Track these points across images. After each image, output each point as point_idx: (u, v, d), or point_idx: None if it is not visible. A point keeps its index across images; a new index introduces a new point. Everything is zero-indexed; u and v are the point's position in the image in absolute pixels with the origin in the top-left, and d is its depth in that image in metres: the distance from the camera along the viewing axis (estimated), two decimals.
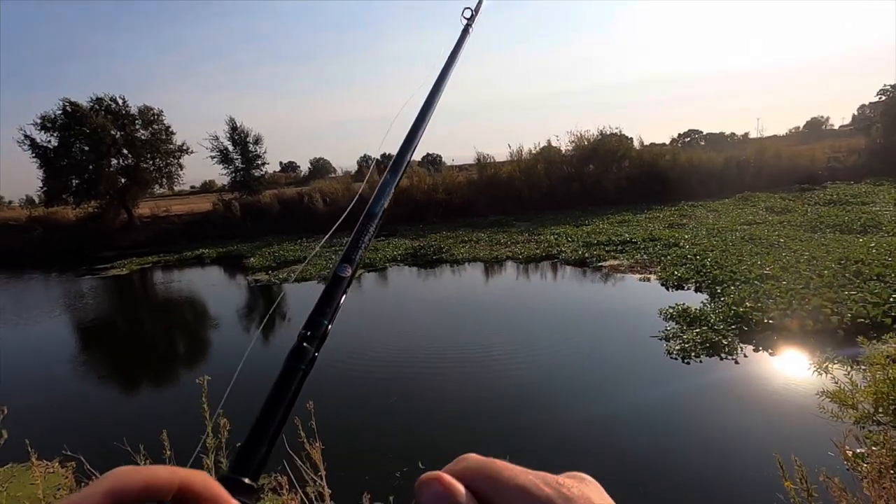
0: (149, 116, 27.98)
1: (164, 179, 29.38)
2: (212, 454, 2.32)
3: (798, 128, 59.65)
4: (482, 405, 6.12)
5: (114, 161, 27.26)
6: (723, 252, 12.01)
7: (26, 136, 25.86)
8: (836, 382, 3.44)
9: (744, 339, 7.24)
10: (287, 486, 2.31)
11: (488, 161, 27.64)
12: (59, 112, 26.00)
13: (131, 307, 14.82)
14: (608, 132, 27.72)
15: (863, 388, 3.40)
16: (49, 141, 26.14)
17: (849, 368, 5.53)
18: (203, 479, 0.34)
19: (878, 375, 3.26)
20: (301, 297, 12.93)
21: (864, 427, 3.44)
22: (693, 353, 6.93)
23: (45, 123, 25.84)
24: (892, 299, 7.56)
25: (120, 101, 27.38)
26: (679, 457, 4.78)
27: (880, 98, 32.24)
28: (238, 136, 28.66)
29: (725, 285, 9.51)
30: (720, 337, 7.25)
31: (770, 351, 6.88)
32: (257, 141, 29.10)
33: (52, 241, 25.47)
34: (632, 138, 29.39)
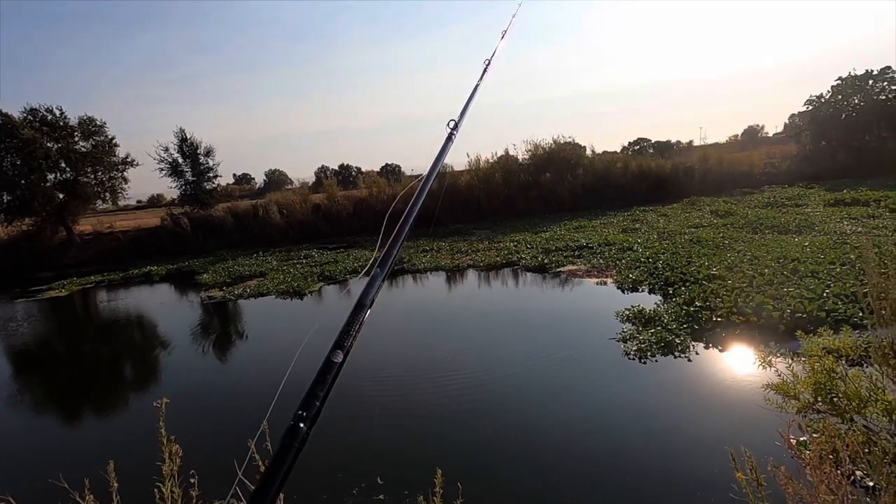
0: (90, 128, 26.49)
1: (107, 194, 27.85)
2: (168, 482, 2.18)
3: (737, 136, 63.54)
4: (443, 412, 6.09)
5: (50, 175, 25.61)
6: (673, 254, 12.54)
7: None
8: (779, 375, 3.64)
9: (695, 338, 7.56)
10: None
11: (447, 170, 27.84)
12: None
13: (71, 331, 13.89)
14: (562, 140, 28.57)
15: (803, 379, 3.61)
16: None
17: (790, 361, 5.87)
18: None
19: (815, 366, 3.47)
20: (258, 314, 12.53)
21: (805, 416, 3.65)
22: (649, 353, 7.17)
23: None
24: (825, 294, 8.10)
25: (57, 112, 25.82)
26: (637, 453, 4.91)
27: (808, 108, 34.79)
28: (188, 147, 27.59)
29: (676, 286, 9.92)
30: (674, 336, 7.55)
31: (719, 348, 7.21)
32: (208, 153, 28.11)
33: None
34: (585, 147, 30.41)
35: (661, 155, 36.92)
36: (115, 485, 2.31)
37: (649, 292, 10.30)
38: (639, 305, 9.02)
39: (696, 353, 7.11)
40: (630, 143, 57.83)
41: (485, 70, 1.42)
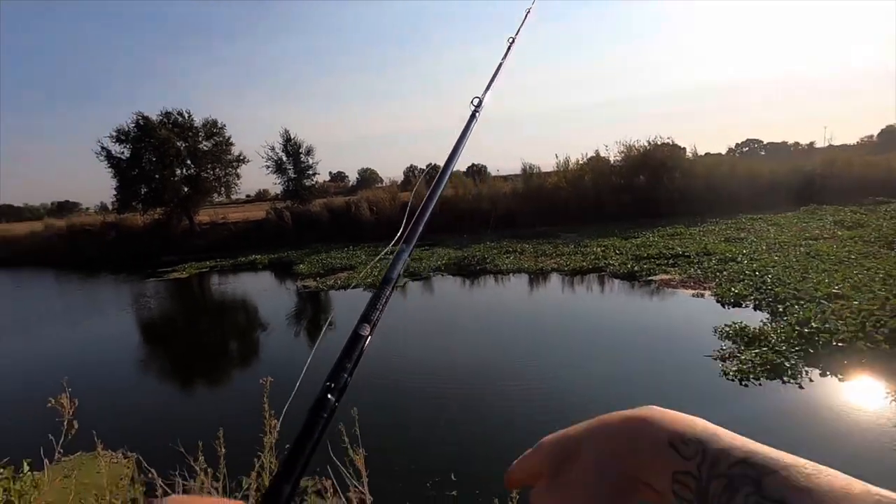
0: (211, 129, 29.74)
1: (222, 188, 31.05)
2: (267, 452, 2.39)
3: (871, 136, 55.53)
4: (523, 420, 6.01)
5: (178, 171, 29.09)
6: (785, 268, 11.29)
7: (103, 148, 28.12)
8: None
9: (809, 363, 6.74)
10: (331, 491, 2.35)
11: (534, 171, 27.42)
12: (133, 125, 28.12)
13: (189, 308, 15.68)
14: (659, 142, 26.87)
15: None
16: (122, 152, 28.29)
17: None
18: None
19: None
20: (347, 304, 13.25)
21: None
22: (752, 375, 6.53)
23: (120, 136, 27.99)
24: None
25: (186, 115, 29.28)
26: None
27: None
28: (291, 147, 29.91)
29: (788, 304, 8.92)
30: (782, 359, 6.79)
31: (840, 376, 6.37)
32: (309, 152, 30.26)
33: (123, 245, 27.46)
34: (685, 148, 28.35)
35: (775, 157, 33.36)
36: (223, 450, 2.58)
37: (754, 308, 9.36)
38: (741, 322, 8.23)
39: (810, 381, 6.34)
40: (738, 145, 53.02)
41: (509, 47, 1.38)
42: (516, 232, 22.36)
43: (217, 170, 30.28)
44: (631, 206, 24.31)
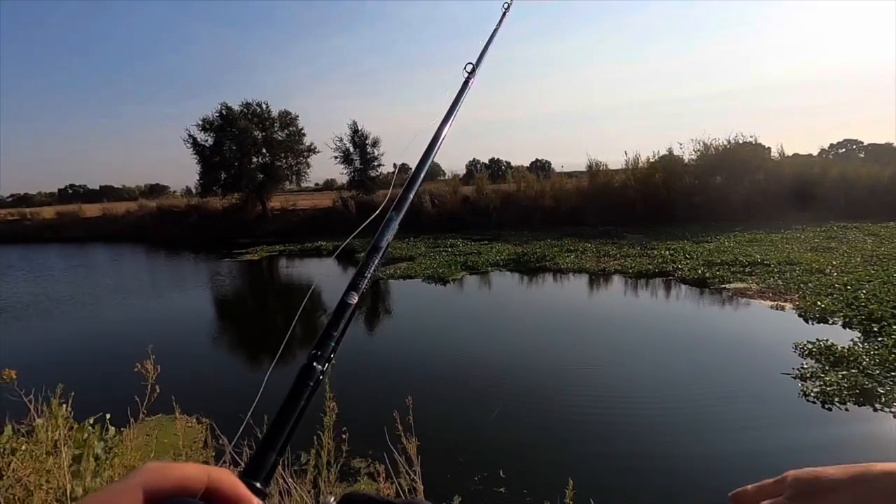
0: (286, 120, 31.26)
1: (294, 176, 32.62)
2: (326, 432, 2.49)
3: None
4: (576, 422, 5.86)
5: (255, 159, 30.87)
6: (884, 284, 10.17)
7: (190, 136, 30.39)
8: None
9: None
10: (384, 475, 2.41)
11: (600, 168, 26.48)
12: (217, 115, 30.14)
13: (260, 289, 16.66)
14: (740, 140, 25.02)
15: None
16: (207, 140, 30.43)
17: None
18: (230, 479, 0.37)
19: None
20: (404, 294, 13.50)
21: None
22: (837, 398, 5.95)
23: (205, 125, 30.11)
24: None
25: (264, 106, 30.95)
26: None
27: None
28: (359, 138, 30.82)
29: (886, 323, 8.03)
30: (875, 384, 6.14)
31: None
32: (375, 143, 31.05)
33: (204, 227, 29.62)
34: (769, 147, 26.23)
35: (877, 160, 29.98)
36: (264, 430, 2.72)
37: (843, 326, 8.52)
38: (827, 340, 7.52)
39: None
40: (833, 145, 48.28)
41: (503, 15, 1.34)
42: (578, 230, 21.74)
43: (289, 159, 31.83)
44: (704, 208, 22.88)
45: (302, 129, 31.72)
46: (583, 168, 27.80)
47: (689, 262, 13.96)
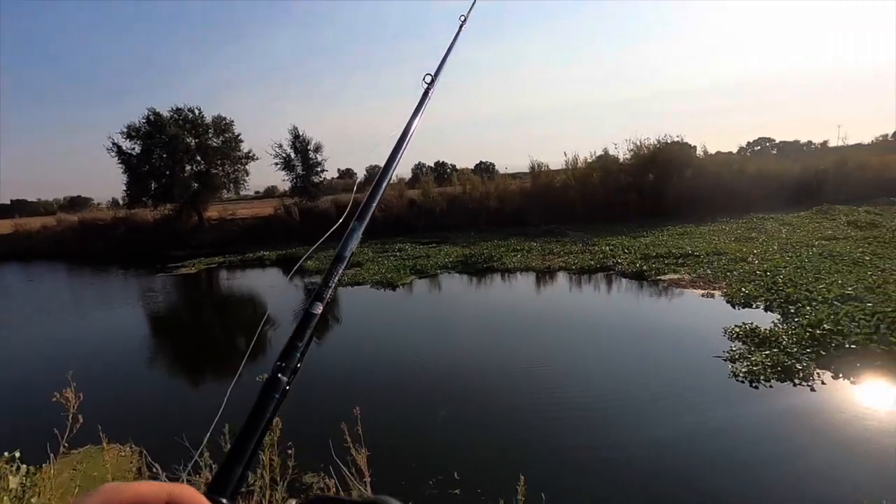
0: (221, 125, 29.88)
1: (231, 184, 31.22)
2: (268, 450, 2.38)
3: (886, 136, 54.54)
4: (527, 421, 5.97)
5: (188, 167, 29.28)
6: (797, 269, 11.14)
7: (114, 144, 28.35)
8: None
9: (821, 365, 6.64)
10: (334, 490, 2.33)
11: (542, 169, 27.27)
12: (144, 121, 28.33)
13: (198, 303, 15.78)
14: (670, 140, 26.61)
15: None
16: (133, 148, 28.52)
17: None
18: (192, 495, 0.35)
19: None
20: (352, 301, 13.25)
21: None
22: (762, 377, 6.44)
23: (131, 132, 28.22)
24: None
25: (196, 111, 29.44)
26: (741, 491, 4.42)
27: None
28: (300, 143, 29.99)
29: (800, 305, 8.80)
30: (793, 360, 6.70)
31: (852, 379, 6.26)
32: (317, 149, 30.33)
33: (133, 240, 27.72)
34: (695, 146, 28.08)
35: (787, 156, 32.90)
36: (228, 446, 2.57)
37: (765, 309, 9.24)
38: (752, 323, 8.13)
39: (822, 383, 6.24)
40: (749, 143, 52.42)
41: (460, 27, 1.43)
42: (523, 230, 22.26)
43: (226, 166, 30.45)
44: (639, 204, 24.14)
45: (239, 135, 30.47)
46: (526, 169, 28.53)
47: (627, 256, 14.65)
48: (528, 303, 12.08)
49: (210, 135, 29.59)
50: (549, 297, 12.59)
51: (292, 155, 30.09)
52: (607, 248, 16.15)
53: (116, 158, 28.46)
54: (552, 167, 27.66)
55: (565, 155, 27.48)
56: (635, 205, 24.13)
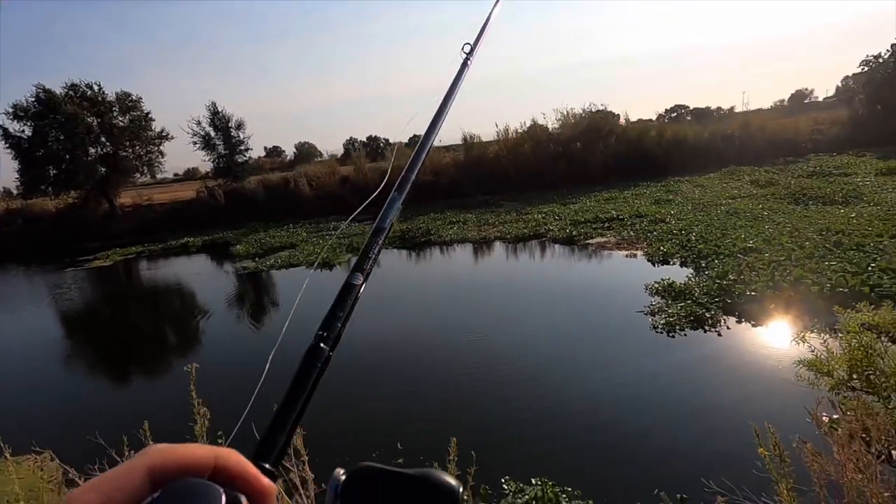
0: (127, 103, 27.28)
1: (145, 167, 28.83)
2: (200, 441, 2.30)
3: (783, 101, 59.88)
4: (468, 384, 6.18)
5: (92, 150, 26.60)
6: (707, 226, 12.12)
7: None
8: (813, 351, 3.51)
9: (727, 312, 7.36)
10: None
11: (475, 141, 27.44)
12: (32, 100, 25.23)
13: (116, 297, 14.65)
14: (595, 109, 27.62)
15: (838, 355, 3.47)
16: (23, 130, 25.43)
17: (826, 338, 5.65)
18: (238, 459, 0.36)
19: (852, 343, 3.33)
20: (290, 284, 12.87)
21: (839, 393, 3.53)
22: (678, 327, 7.04)
23: (18, 112, 25.07)
24: (870, 268, 7.71)
25: (96, 88, 26.62)
26: (661, 428, 4.88)
27: (863, 69, 32.38)
28: (219, 121, 28.08)
29: (710, 259, 9.62)
30: (704, 310, 7.36)
31: (753, 322, 7.00)
32: (239, 126, 28.58)
33: (33, 232, 24.99)
34: (619, 115, 29.35)
35: (700, 122, 35.27)
36: (150, 443, 2.46)
37: (681, 265, 10.03)
38: (669, 279, 8.80)
39: (728, 328, 6.93)
40: (667, 111, 55.37)
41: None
42: (460, 202, 22.46)
43: (137, 147, 27.98)
44: (568, 172, 25.00)
45: (148, 113, 27.98)
46: (459, 141, 28.56)
47: (558, 222, 15.24)
48: (466, 274, 12.32)
49: (115, 113, 26.95)
50: (486, 266, 12.89)
51: (212, 133, 28.17)
52: (539, 215, 16.69)
53: (2, 142, 25.31)
54: (484, 139, 27.90)
55: (496, 126, 27.80)
56: (565, 173, 24.99)
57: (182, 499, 0.32)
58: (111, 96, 26.95)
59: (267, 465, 0.41)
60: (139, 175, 29.81)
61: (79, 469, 2.31)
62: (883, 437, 2.19)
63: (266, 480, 0.38)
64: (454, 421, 5.24)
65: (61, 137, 25.33)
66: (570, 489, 3.88)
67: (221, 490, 0.33)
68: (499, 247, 14.02)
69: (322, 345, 0.54)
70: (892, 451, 3.80)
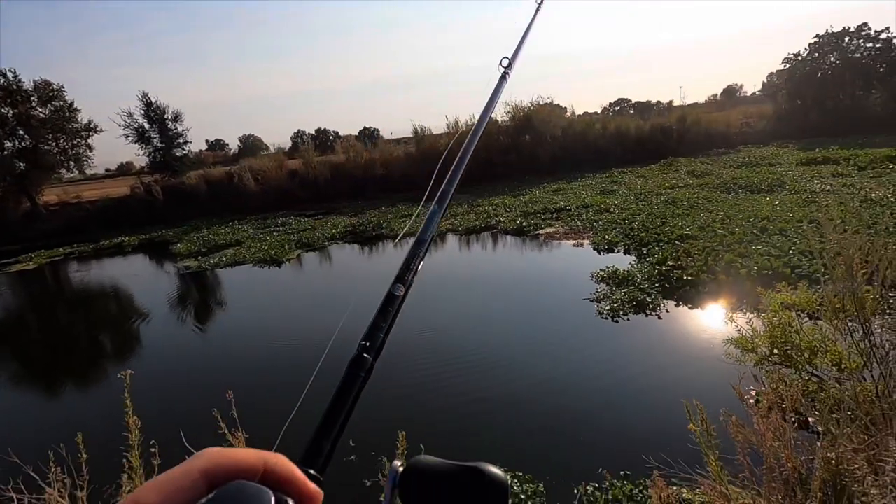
0: (47, 92, 25.13)
1: (70, 162, 26.78)
2: (135, 451, 2.19)
3: (716, 96, 63.60)
4: (421, 383, 6.19)
5: (8, 143, 24.40)
6: (648, 215, 12.71)
7: None
8: (739, 330, 3.78)
9: (666, 296, 7.77)
10: None
11: (426, 133, 27.36)
12: None
13: (42, 304, 13.57)
14: (541, 102, 28.19)
15: (761, 333, 3.76)
16: None
17: (751, 317, 6.09)
18: (286, 464, 0.38)
19: (773, 321, 3.61)
20: (236, 281, 12.40)
21: (762, 368, 3.82)
22: (621, 312, 7.36)
23: None
24: (790, 251, 8.35)
25: (10, 76, 24.35)
26: (604, 409, 5.11)
27: (785, 66, 34.85)
28: (154, 112, 26.47)
29: (651, 246, 10.11)
30: (646, 295, 7.74)
31: (689, 305, 7.43)
32: (177, 118, 27.07)
33: None
34: (566, 108, 30.12)
35: (641, 115, 36.83)
36: (85, 456, 2.32)
37: (624, 253, 10.48)
38: (613, 266, 9.18)
39: (667, 312, 7.32)
40: (611, 104, 57.50)
41: (536, 11, 1.43)
42: (412, 195, 22.34)
43: (61, 141, 25.91)
44: (518, 164, 25.44)
45: (72, 103, 25.92)
46: (410, 134, 28.40)
47: (508, 214, 15.51)
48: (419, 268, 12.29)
49: (33, 103, 24.80)
50: (438, 259, 12.93)
51: (146, 125, 26.52)
52: (490, 207, 16.91)
53: None
54: (434, 131, 27.87)
55: (447, 119, 27.82)
56: (514, 165, 25.41)
57: (234, 500, 0.34)
58: (28, 85, 24.78)
59: (312, 472, 0.43)
60: (65, 171, 27.68)
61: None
62: (794, 405, 2.39)
63: (312, 486, 0.40)
64: (403, 415, 5.25)
65: None
66: (520, 473, 4.00)
67: (271, 493, 0.35)
68: (451, 239, 14.09)
69: (365, 354, 0.56)
70: (809, 418, 4.16)
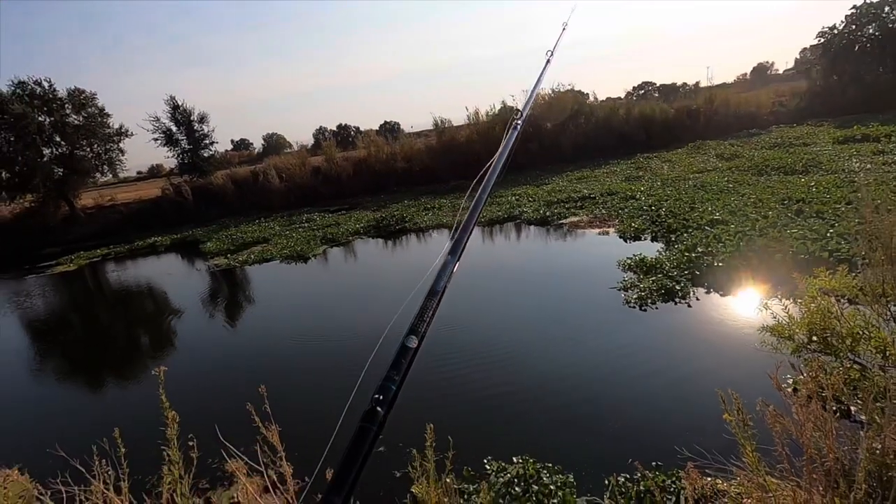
0: (80, 99, 26.02)
1: (105, 166, 27.69)
2: (174, 444, 2.27)
3: (745, 75, 61.29)
4: (448, 367, 6.22)
5: (46, 150, 25.40)
6: (676, 201, 12.39)
7: None
8: (775, 317, 3.65)
9: (696, 283, 7.57)
10: (246, 471, 2.30)
11: (446, 126, 27.25)
12: None
13: (83, 303, 14.17)
14: (562, 88, 27.71)
15: (798, 320, 3.62)
16: None
17: (787, 303, 5.88)
18: None
19: (811, 307, 3.48)
20: (265, 278, 12.67)
21: (800, 356, 3.69)
22: (650, 301, 7.22)
23: None
24: (828, 234, 8.02)
25: (46, 85, 25.28)
26: (635, 399, 5.03)
27: (819, 41, 33.25)
28: (181, 115, 27.11)
29: (679, 233, 9.86)
30: (674, 283, 7.56)
31: (720, 293, 7.23)
32: (202, 119, 27.63)
33: None
34: (587, 94, 29.52)
35: (667, 99, 35.82)
36: (123, 450, 2.41)
37: (651, 240, 10.25)
38: (640, 254, 8.99)
39: (697, 299, 7.14)
40: (634, 88, 56.05)
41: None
42: (433, 188, 22.38)
43: (95, 146, 26.82)
44: (540, 153, 25.10)
45: (104, 109, 26.77)
46: (430, 127, 28.34)
47: (531, 204, 15.35)
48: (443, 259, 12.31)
49: (68, 111, 25.72)
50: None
51: (174, 128, 27.20)
52: (513, 198, 16.77)
53: None
54: (455, 123, 27.75)
55: (467, 110, 27.65)
56: (536, 154, 25.08)
57: None
58: (62, 93, 25.68)
59: None
60: (100, 175, 28.65)
61: (45, 484, 2.25)
62: (836, 394, 2.30)
63: None
64: (431, 405, 5.28)
65: (11, 139, 24.10)
66: (550, 465, 3.98)
67: None
68: (474, 231, 14.00)
69: (378, 408, 0.56)
70: (851, 407, 4.01)
